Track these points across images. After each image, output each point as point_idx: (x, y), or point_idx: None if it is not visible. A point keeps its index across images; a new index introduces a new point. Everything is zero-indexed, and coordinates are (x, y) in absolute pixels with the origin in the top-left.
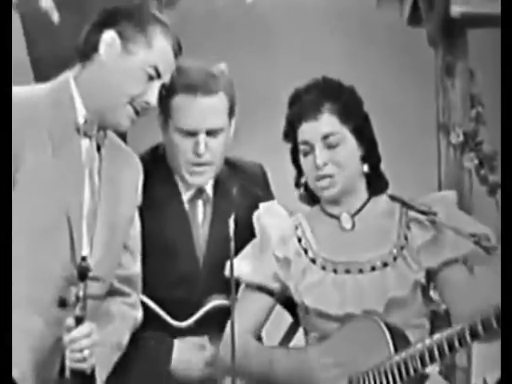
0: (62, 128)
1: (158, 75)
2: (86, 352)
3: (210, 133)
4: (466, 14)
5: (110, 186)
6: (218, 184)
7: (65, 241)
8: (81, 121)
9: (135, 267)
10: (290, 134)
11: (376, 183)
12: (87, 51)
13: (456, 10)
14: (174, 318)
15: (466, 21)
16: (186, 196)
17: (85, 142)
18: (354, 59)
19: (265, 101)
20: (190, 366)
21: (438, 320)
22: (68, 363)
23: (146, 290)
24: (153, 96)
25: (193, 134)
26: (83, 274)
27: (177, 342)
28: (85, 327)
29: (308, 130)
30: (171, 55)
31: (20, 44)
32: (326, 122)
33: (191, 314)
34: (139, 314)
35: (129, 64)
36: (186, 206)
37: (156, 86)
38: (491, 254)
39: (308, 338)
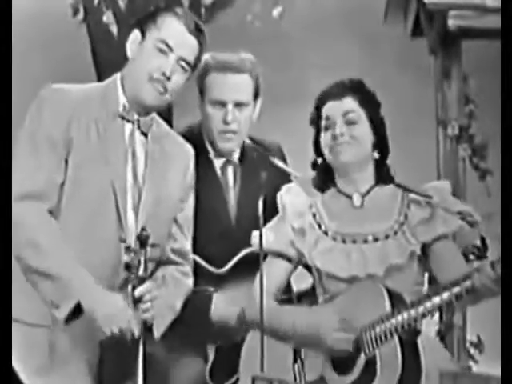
0: (107, 116)
1: (170, 49)
2: (149, 304)
3: (237, 105)
4: (461, 28)
5: (157, 166)
6: (243, 154)
7: (113, 211)
8: (120, 108)
9: (187, 243)
10: (315, 116)
11: (383, 173)
12: (126, 54)
13: (452, 24)
14: (213, 266)
15: (460, 33)
16: (218, 165)
17: (127, 127)
18: (366, 64)
19: (286, 98)
20: (225, 315)
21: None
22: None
23: None
24: (168, 67)
25: (222, 104)
26: (144, 242)
27: (215, 295)
28: (147, 284)
29: (331, 108)
30: (183, 32)
31: (86, 50)
32: (348, 102)
33: (227, 263)
34: (191, 281)
35: (143, 47)
36: (219, 173)
37: (171, 58)
38: (474, 227)
39: (321, 296)
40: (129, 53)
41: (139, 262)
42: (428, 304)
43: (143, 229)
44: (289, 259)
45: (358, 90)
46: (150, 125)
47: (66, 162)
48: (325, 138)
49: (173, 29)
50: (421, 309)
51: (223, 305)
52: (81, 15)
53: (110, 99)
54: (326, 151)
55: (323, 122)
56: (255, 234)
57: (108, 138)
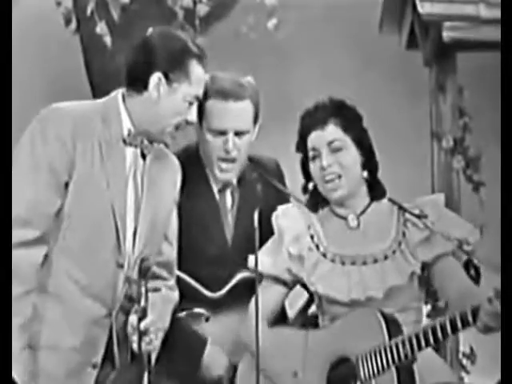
0: (110, 139)
1: (198, 99)
2: (153, 336)
3: (237, 133)
4: (456, 39)
5: (153, 187)
6: (241, 176)
7: (112, 234)
8: (125, 133)
9: (173, 254)
10: (301, 144)
11: (376, 189)
12: (137, 86)
13: (447, 35)
14: (208, 290)
15: (455, 45)
16: (216, 187)
17: (129, 150)
18: (360, 77)
19: (281, 111)
20: (214, 365)
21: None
22: (135, 346)
23: (183, 268)
24: (193, 116)
25: (223, 133)
26: (145, 272)
27: (209, 343)
28: (151, 317)
29: (316, 138)
30: (204, 78)
31: (80, 61)
32: (331, 131)
33: (223, 287)
34: (177, 294)
35: (173, 99)
36: (217, 195)
37: (195, 107)
38: (470, 256)
39: (322, 320)
40: (151, 92)
41: (140, 292)
42: (425, 337)
43: (144, 259)
44: (284, 283)
45: (339, 112)
46: (150, 146)
47: (66, 184)
48: (314, 168)
49: (200, 79)
50: (418, 342)
51: (214, 356)
52: (73, 25)
53: (112, 122)
54: (317, 182)
55: (310, 153)
56: (251, 257)
57: (111, 162)
